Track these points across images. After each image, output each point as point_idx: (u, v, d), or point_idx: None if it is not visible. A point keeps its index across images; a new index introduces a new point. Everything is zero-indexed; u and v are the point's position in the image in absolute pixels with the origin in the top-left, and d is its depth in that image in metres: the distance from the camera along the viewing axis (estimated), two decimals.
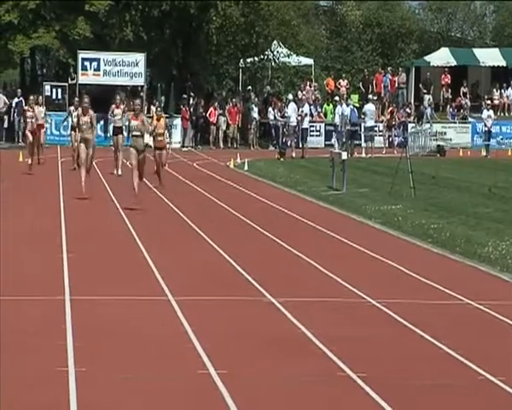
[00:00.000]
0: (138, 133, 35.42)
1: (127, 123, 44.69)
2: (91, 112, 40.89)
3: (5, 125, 74.75)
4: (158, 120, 44.83)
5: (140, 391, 15.55)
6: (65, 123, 70.32)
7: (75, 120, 33.91)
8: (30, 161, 48.78)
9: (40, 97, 63.34)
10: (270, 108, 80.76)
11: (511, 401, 15.92)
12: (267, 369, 17.24)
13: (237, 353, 18.18)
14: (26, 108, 50.80)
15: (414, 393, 15.93)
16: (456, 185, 51.21)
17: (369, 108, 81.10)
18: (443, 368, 17.70)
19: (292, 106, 75.10)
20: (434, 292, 23.83)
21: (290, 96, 79.54)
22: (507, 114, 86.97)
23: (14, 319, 16.31)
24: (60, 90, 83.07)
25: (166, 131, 48.33)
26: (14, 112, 74.00)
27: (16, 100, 72.65)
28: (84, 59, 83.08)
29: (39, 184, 47.02)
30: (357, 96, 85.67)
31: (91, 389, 15.45)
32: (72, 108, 63.56)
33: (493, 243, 30.27)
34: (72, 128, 61.36)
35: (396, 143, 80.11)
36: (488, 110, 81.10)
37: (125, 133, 50.71)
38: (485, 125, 79.74)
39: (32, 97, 52.33)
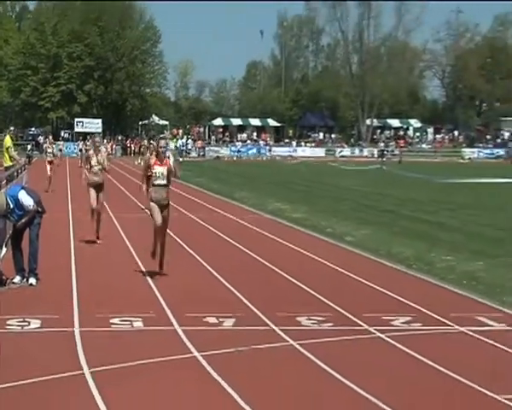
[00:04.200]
0: (163, 182, 13.80)
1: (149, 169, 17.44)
2: (103, 152, 19.73)
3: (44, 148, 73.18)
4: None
5: (104, 252, 15.51)
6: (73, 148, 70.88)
7: (86, 159, 18.66)
8: (49, 190, 28.84)
9: (60, 139, 64.03)
10: (152, 141, 79.65)
11: (288, 285, 15.76)
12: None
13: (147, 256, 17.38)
14: (45, 145, 36.28)
15: (231, 266, 14.94)
16: (224, 171, 50.44)
17: (190, 141, 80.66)
18: (240, 256, 16.61)
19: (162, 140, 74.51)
20: (235, 223, 21.63)
21: (166, 135, 79.41)
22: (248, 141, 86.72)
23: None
24: (68, 134, 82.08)
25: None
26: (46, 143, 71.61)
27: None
28: (77, 121, 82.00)
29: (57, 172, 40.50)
30: (186, 136, 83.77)
31: (80, 249, 15.26)
32: (80, 142, 66.58)
33: (252, 199, 29.17)
34: (80, 150, 60.84)
35: (201, 154, 79.35)
36: (238, 141, 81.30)
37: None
38: (237, 147, 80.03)
39: (49, 138, 39.15)
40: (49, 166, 31.98)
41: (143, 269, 13.45)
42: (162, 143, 13.68)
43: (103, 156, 17.58)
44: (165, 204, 13.08)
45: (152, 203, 13.13)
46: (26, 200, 11.84)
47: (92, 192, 17.15)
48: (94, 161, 17.29)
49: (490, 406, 7.04)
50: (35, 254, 12.01)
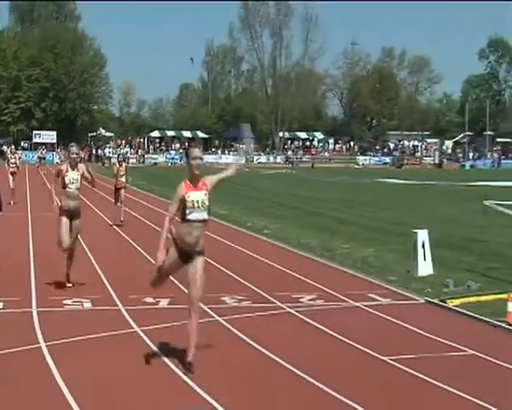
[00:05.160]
0: (203, 216, 6.51)
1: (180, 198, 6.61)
2: (82, 166, 10.86)
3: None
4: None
5: None
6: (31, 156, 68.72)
7: (57, 175, 10.74)
8: (12, 203, 23.02)
9: (19, 148, 60.46)
10: (99, 150, 78.31)
11: None
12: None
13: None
14: (8, 156, 28.30)
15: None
16: (161, 175, 49.90)
17: (129, 150, 78.79)
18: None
19: (107, 149, 73.05)
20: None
21: (110, 144, 77.74)
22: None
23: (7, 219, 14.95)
24: (27, 144, 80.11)
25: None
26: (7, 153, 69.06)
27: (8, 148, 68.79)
28: (35, 133, 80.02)
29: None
30: (127, 145, 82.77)
31: (38, 243, 14.99)
32: (39, 151, 62.42)
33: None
34: (38, 158, 57.81)
35: (141, 161, 77.77)
36: (173, 150, 79.76)
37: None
38: (171, 155, 78.35)
39: (11, 147, 29.67)
40: (11, 178, 25.83)
41: (93, 259, 13.26)
42: (196, 152, 6.83)
43: (83, 169, 10.81)
44: (198, 251, 6.72)
45: (173, 251, 6.73)
46: None
47: (64, 224, 10.48)
48: (69, 179, 10.54)
49: (378, 365, 7.15)
50: None
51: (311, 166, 69.08)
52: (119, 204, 19.34)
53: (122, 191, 19.57)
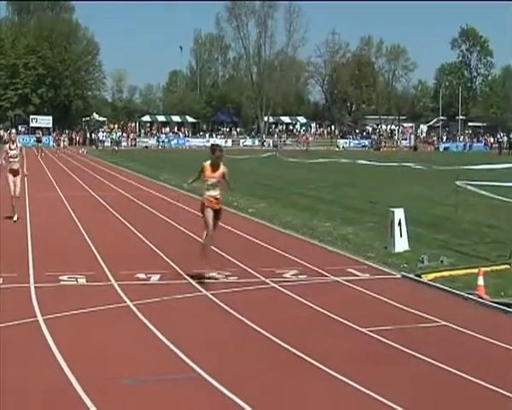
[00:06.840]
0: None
1: None
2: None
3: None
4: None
5: (55, 225, 15.08)
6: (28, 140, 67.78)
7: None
8: (16, 217, 14.85)
9: (18, 132, 58.87)
10: (93, 134, 77.80)
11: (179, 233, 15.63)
12: None
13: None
14: (7, 146, 15.53)
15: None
16: (152, 157, 49.40)
17: (120, 134, 78.40)
18: (164, 225, 16.64)
19: (100, 133, 72.41)
20: (159, 199, 21.45)
21: (103, 128, 77.06)
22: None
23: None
24: (24, 128, 79.49)
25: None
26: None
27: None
28: (32, 118, 79.56)
29: None
30: (119, 129, 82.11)
31: (35, 223, 14.82)
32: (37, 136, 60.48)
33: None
34: (38, 140, 56.08)
35: (133, 144, 76.85)
36: (163, 134, 78.89)
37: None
38: (162, 139, 77.78)
39: (11, 132, 16.71)
40: (12, 178, 15.50)
41: (87, 238, 13.13)
42: None
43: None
44: None
45: None
46: None
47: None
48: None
49: (357, 336, 7.16)
50: None
51: (305, 150, 68.94)
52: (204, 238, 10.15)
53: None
